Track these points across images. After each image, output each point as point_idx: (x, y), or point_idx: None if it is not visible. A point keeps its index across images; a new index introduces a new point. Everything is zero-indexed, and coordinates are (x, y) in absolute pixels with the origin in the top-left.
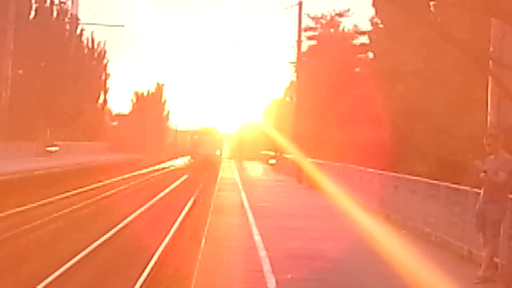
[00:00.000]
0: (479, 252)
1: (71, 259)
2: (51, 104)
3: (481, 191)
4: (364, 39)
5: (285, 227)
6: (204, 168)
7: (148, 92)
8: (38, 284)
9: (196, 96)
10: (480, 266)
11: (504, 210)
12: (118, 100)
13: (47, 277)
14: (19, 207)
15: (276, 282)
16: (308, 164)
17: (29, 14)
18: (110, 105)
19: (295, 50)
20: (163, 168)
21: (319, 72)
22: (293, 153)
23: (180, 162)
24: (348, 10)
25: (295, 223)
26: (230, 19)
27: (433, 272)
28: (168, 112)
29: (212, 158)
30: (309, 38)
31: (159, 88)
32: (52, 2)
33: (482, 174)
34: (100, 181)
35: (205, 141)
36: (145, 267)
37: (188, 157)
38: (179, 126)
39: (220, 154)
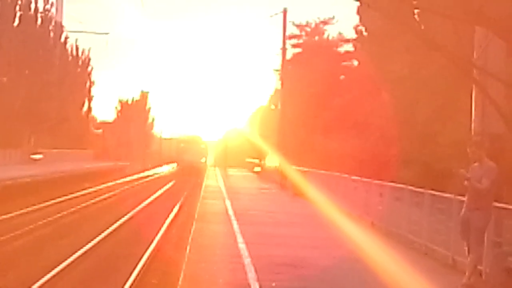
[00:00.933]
0: (463, 260)
1: (56, 267)
2: (35, 112)
3: (465, 199)
4: (348, 47)
5: (270, 235)
6: (190, 175)
7: (132, 100)
8: None
9: (181, 104)
10: (465, 273)
11: (488, 217)
12: (103, 107)
13: (33, 284)
14: (3, 215)
15: None
16: (293, 172)
17: (13, 21)
18: (94, 112)
19: (280, 57)
20: (148, 176)
21: (304, 79)
22: (277, 160)
23: (165, 169)
24: (333, 17)
25: (279, 231)
26: (215, 26)
27: (417, 279)
28: (153, 119)
29: (198, 166)
30: (294, 45)
31: (144, 95)
32: (36, 10)
33: (466, 182)
34: (85, 189)
35: (191, 149)
36: (130, 274)
37: (173, 165)
38: (164, 134)
39: (205, 162)
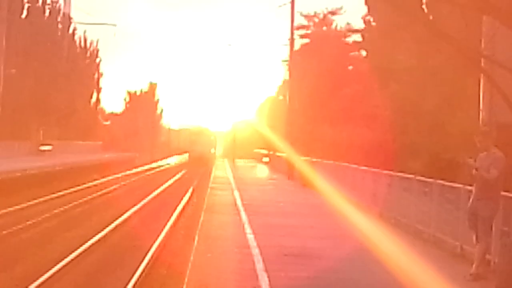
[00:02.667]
0: (471, 249)
1: (63, 259)
2: (44, 103)
3: (473, 188)
4: (357, 37)
5: (278, 225)
6: (199, 164)
7: (141, 91)
8: (31, 283)
9: (189, 95)
10: (473, 263)
11: (496, 207)
12: (111, 99)
13: (41, 276)
14: (11, 206)
15: (269, 279)
16: (301, 162)
17: (21, 13)
18: (103, 104)
19: (288, 48)
20: (157, 167)
21: (312, 70)
22: (285, 151)
23: (174, 160)
24: (341, 8)
25: (288, 221)
26: (223, 17)
27: (425, 269)
28: (161, 111)
29: (207, 156)
30: (302, 36)
31: (152, 87)
32: (44, 1)
33: (474, 172)
34: (94, 180)
35: (201, 141)
36: (139, 265)
37: (181, 156)
38: (172, 125)
39: (215, 152)
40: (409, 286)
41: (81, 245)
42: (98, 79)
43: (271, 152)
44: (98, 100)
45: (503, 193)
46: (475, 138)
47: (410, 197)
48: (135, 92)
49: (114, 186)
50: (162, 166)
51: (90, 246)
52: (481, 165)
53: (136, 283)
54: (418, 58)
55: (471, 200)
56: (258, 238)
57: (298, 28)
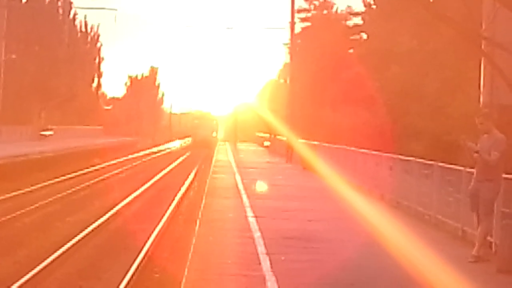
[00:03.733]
0: (473, 231)
1: (66, 243)
2: (45, 88)
3: (475, 170)
4: (357, 20)
5: (279, 209)
6: (202, 147)
7: (142, 76)
8: (35, 266)
9: (190, 79)
10: (474, 245)
11: (497, 189)
12: (112, 83)
13: (43, 260)
14: (14, 191)
15: (271, 263)
16: (302, 146)
17: None
18: (104, 89)
19: (289, 31)
20: (158, 151)
21: (312, 53)
22: (284, 134)
23: (175, 145)
24: None
25: (289, 205)
26: (224, 0)
27: (426, 251)
28: (163, 95)
29: (209, 139)
30: (303, 19)
31: (153, 71)
32: None
33: (475, 154)
34: (95, 165)
35: (204, 125)
36: (141, 250)
37: (183, 141)
38: (174, 109)
39: (216, 136)
40: (410, 269)
41: (83, 230)
42: (99, 63)
43: (272, 136)
44: (99, 84)
45: (504, 175)
46: (476, 120)
47: (411, 180)
48: (136, 76)
49: (116, 171)
50: (163, 150)
51: (92, 230)
52: (482, 147)
53: (138, 267)
54: (419, 41)
55: (472, 182)
56: (259, 221)
57: (299, 11)
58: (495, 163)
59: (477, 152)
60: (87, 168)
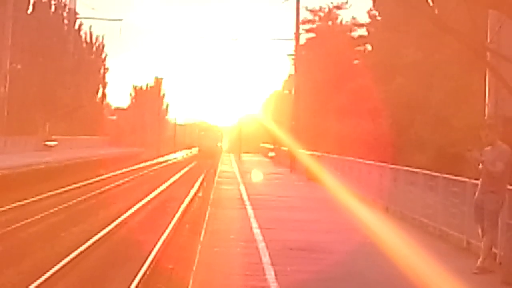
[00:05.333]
0: (477, 243)
1: (70, 253)
2: (50, 99)
3: (479, 182)
4: (362, 31)
5: (284, 220)
6: (208, 157)
7: (147, 86)
8: (40, 277)
9: (195, 90)
10: (479, 256)
11: (501, 200)
12: (117, 94)
13: (48, 270)
14: (19, 201)
15: (275, 274)
16: (306, 156)
17: (27, 8)
18: (109, 99)
19: (294, 42)
20: (162, 162)
21: (317, 64)
22: (288, 144)
23: (180, 155)
24: (346, 2)
25: (294, 216)
26: (229, 11)
27: (431, 263)
28: (167, 106)
29: (215, 149)
30: (308, 30)
31: (158, 82)
32: None
33: (479, 165)
34: (100, 175)
35: (209, 136)
36: (145, 261)
37: (187, 151)
38: (178, 120)
39: (221, 146)
40: (415, 280)
41: (88, 240)
42: (104, 74)
43: (277, 147)
44: (104, 95)
45: (509, 186)
46: (480, 132)
47: (416, 191)
48: (141, 87)
49: (121, 181)
50: (168, 161)
51: (97, 240)
52: (487, 158)
53: (142, 278)
54: (424, 52)
55: (477, 193)
56: (264, 232)
57: (304, 22)
58: (499, 174)
59: (482, 163)
60: (92, 178)
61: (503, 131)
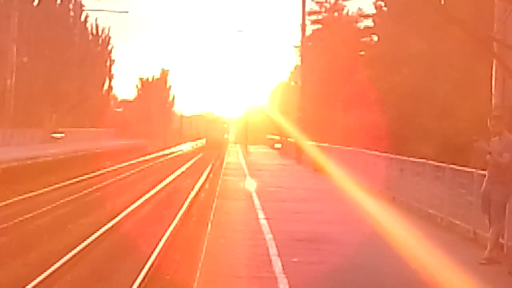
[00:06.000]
0: (484, 234)
1: (78, 245)
2: (56, 91)
3: (486, 173)
4: (368, 22)
5: (291, 211)
6: (215, 148)
7: (153, 78)
8: (47, 269)
9: (201, 81)
10: (486, 247)
11: (509, 191)
12: (123, 86)
13: (56, 262)
14: (26, 193)
15: (282, 265)
16: (312, 148)
17: (33, 1)
18: (115, 91)
19: (300, 34)
20: (169, 154)
21: (323, 56)
22: (295, 136)
23: (186, 147)
24: None
25: (300, 207)
26: (234, 2)
27: (438, 253)
28: (173, 97)
29: (221, 140)
30: (314, 22)
31: (164, 73)
32: None
33: (487, 156)
34: (106, 167)
35: (216, 128)
36: (152, 252)
37: (193, 143)
38: (185, 112)
39: (227, 137)
40: (422, 271)
41: (95, 232)
42: (110, 66)
43: (283, 138)
44: (110, 87)
45: None
46: (488, 123)
47: (422, 182)
48: (147, 78)
49: (127, 173)
50: (174, 152)
51: (104, 232)
52: (494, 149)
53: (149, 269)
54: (429, 43)
55: (484, 184)
56: (271, 223)
57: (310, 13)
58: (506, 165)
59: (489, 153)
60: (99, 170)
61: (510, 122)
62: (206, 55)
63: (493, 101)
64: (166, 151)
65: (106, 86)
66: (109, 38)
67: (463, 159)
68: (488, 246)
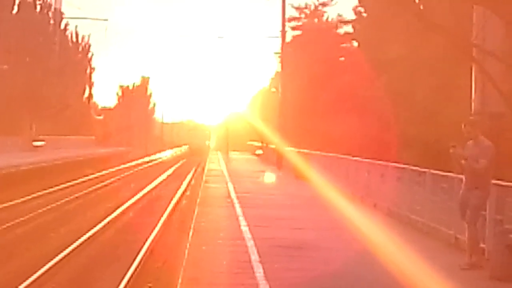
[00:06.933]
0: (465, 238)
1: (58, 254)
2: (37, 99)
3: (463, 178)
4: (348, 28)
5: (272, 217)
6: (197, 154)
7: (133, 86)
8: (28, 277)
9: (182, 88)
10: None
11: (485, 196)
12: (104, 94)
13: (36, 271)
14: (6, 202)
15: (264, 271)
16: (293, 154)
17: (12, 9)
18: (95, 99)
19: (280, 40)
20: (150, 161)
21: (304, 62)
22: (275, 142)
23: (167, 154)
24: None
25: (282, 213)
26: (214, 9)
27: (420, 259)
28: (154, 105)
29: (203, 147)
30: (294, 28)
31: (145, 81)
32: None
33: (463, 161)
34: (87, 175)
35: (198, 135)
36: (133, 260)
37: (174, 150)
38: (165, 119)
39: (209, 144)
40: (403, 277)
41: (76, 240)
42: (90, 73)
43: (264, 145)
44: (90, 95)
45: (496, 181)
46: (462, 129)
47: (403, 187)
48: (128, 86)
49: (108, 181)
50: (155, 160)
51: (85, 240)
52: (470, 154)
53: (131, 277)
54: (409, 49)
55: (462, 190)
56: (252, 230)
57: (290, 20)
58: (483, 170)
59: (465, 159)
60: (80, 178)
61: (490, 127)
62: (186, 62)
63: (473, 107)
64: (147, 159)
65: (86, 94)
66: (89, 45)
67: (444, 165)
68: (467, 251)
